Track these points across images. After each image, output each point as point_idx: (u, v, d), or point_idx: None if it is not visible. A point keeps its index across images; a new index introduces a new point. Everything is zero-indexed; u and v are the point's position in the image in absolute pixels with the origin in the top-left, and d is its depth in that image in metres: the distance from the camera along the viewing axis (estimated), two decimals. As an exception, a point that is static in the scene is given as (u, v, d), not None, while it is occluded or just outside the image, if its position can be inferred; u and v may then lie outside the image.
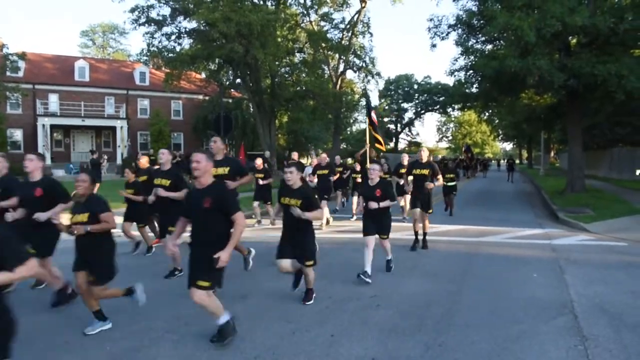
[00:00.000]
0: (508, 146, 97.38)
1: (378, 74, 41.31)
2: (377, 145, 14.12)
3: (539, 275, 6.92)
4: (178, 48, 26.42)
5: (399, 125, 68.51)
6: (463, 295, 5.96)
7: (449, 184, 14.03)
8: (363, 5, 39.72)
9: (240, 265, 7.57)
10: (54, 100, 35.87)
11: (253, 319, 5.01)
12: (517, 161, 61.75)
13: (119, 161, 34.84)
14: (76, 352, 4.21)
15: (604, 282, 6.62)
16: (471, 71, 19.17)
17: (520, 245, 9.49)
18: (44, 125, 32.83)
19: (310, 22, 36.77)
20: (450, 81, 44.67)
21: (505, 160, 38.52)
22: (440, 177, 9.06)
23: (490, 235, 10.52)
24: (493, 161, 64.43)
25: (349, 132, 62.69)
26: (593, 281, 6.64)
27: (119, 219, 6.94)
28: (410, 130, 71.42)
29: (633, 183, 23.71)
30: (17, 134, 34.97)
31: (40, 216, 5.25)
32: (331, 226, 11.82)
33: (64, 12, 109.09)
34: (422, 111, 66.64)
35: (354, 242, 9.62)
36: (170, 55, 24.89)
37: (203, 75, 34.59)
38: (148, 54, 25.59)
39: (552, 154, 59.88)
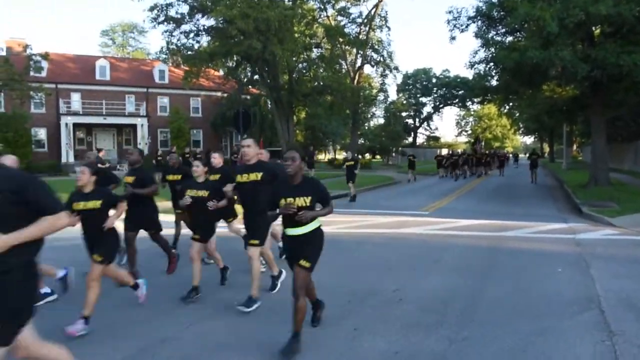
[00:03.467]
0: (529, 140, 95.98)
1: (396, 68, 41.09)
2: None
3: (564, 270, 6.80)
4: (196, 45, 26.67)
5: (417, 119, 68.02)
6: (485, 290, 5.90)
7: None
8: (380, -1, 39.46)
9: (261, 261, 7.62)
10: (76, 99, 36.54)
11: (274, 314, 5.03)
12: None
13: (139, 158, 35.31)
14: (106, 343, 4.29)
15: (630, 277, 6.49)
16: (491, 64, 18.90)
17: (544, 240, 9.34)
18: (67, 124, 33.48)
19: (328, 17, 36.70)
20: (469, 74, 43.81)
21: (527, 155, 32.91)
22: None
23: (513, 230, 10.39)
24: (510, 155, 56.63)
25: (366, 127, 62.47)
26: (619, 276, 6.50)
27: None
28: (428, 125, 70.94)
29: (660, 176, 23.11)
30: (41, 133, 35.74)
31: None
32: (350, 222, 11.80)
33: (86, 12, 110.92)
34: (441, 105, 66.08)
35: (374, 236, 9.61)
36: (189, 52, 25.11)
37: (221, 73, 34.84)
38: (167, 52, 25.89)
39: (574, 147, 58.75)
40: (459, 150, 36.66)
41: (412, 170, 26.29)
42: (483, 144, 79.92)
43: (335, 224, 11.40)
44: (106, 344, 4.25)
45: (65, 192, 16.50)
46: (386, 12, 50.75)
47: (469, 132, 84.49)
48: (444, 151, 43.15)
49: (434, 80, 64.19)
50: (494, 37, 19.34)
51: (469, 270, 6.91)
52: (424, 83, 64.54)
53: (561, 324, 4.68)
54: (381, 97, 52.72)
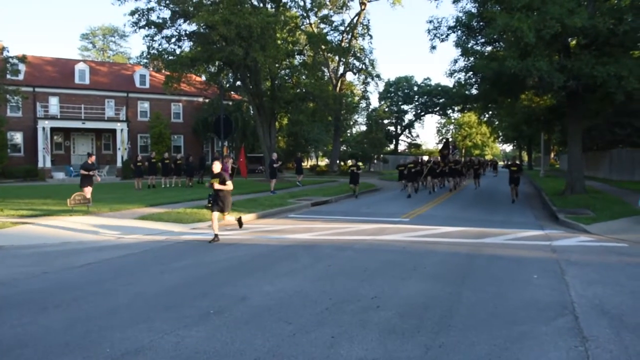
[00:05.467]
0: (508, 148, 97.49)
1: (378, 75, 41.51)
2: None
3: (540, 277, 6.91)
4: (178, 51, 26.49)
5: (399, 127, 68.54)
6: (463, 296, 5.95)
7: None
8: (363, 7, 39.90)
9: (239, 268, 7.59)
10: (54, 103, 35.93)
11: (253, 320, 5.00)
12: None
13: (119, 164, 34.86)
14: (76, 353, 4.19)
15: (604, 283, 6.62)
16: (471, 72, 19.22)
17: (521, 247, 9.49)
18: (44, 128, 32.84)
19: (310, 24, 36.91)
20: (450, 83, 44.39)
21: (507, 163, 28.30)
22: None
23: (491, 237, 10.52)
24: (489, 163, 54.96)
25: (349, 134, 62.68)
26: (593, 282, 6.63)
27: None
28: (410, 132, 71.50)
29: (633, 184, 23.71)
30: (18, 137, 35.04)
31: None
32: (330, 229, 11.81)
33: (65, 15, 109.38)
34: (422, 113, 66.70)
35: (355, 243, 9.63)
36: (170, 57, 24.91)
37: (203, 78, 34.66)
38: (148, 56, 25.63)
39: (552, 155, 59.91)
40: (425, 158, 30.79)
41: (354, 185, 20.89)
42: (461, 151, 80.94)
43: (315, 230, 11.42)
44: (75, 355, 4.15)
45: (40, 198, 16.21)
46: (368, 20, 51.35)
47: (450, 139, 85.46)
48: (425, 158, 41.74)
49: (415, 89, 64.82)
50: (474, 46, 19.69)
51: (447, 276, 6.97)
52: (406, 91, 65.12)
53: (536, 330, 4.74)
54: (363, 104, 53.04)
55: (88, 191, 14.68)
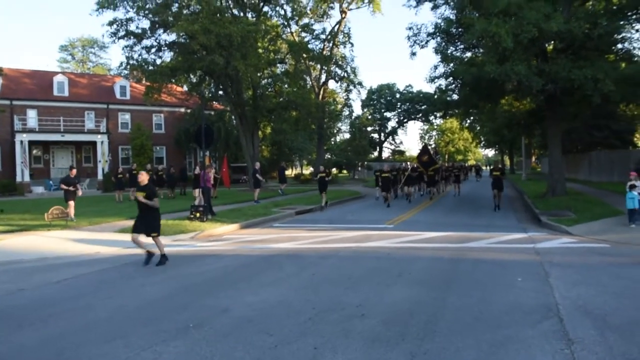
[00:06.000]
0: (490, 152, 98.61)
1: (360, 83, 41.64)
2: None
3: (524, 279, 6.90)
4: (159, 61, 26.22)
5: (382, 134, 68.90)
6: (448, 301, 5.89)
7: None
8: (343, 16, 40.12)
9: (221, 279, 7.44)
10: (32, 116, 35.26)
11: (233, 332, 4.86)
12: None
13: (99, 176, 34.30)
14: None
15: (587, 283, 6.63)
16: (451, 78, 19.39)
17: (505, 250, 9.50)
18: (22, 142, 32.17)
19: (292, 33, 36.93)
20: (431, 89, 44.69)
21: (490, 169, 26.38)
22: None
23: (475, 241, 10.52)
24: (473, 168, 53.98)
25: (332, 142, 62.79)
26: (576, 283, 6.64)
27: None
28: (393, 139, 71.91)
29: (612, 185, 24.09)
30: (-5, 151, 34.24)
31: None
32: (315, 237, 11.70)
33: (43, 27, 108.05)
34: (405, 120, 67.20)
35: (340, 251, 9.54)
36: (150, 68, 24.65)
37: (185, 88, 34.39)
38: (127, 67, 25.33)
39: (533, 159, 60.74)
40: (405, 164, 28.58)
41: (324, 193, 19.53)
42: (444, 156, 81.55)
43: (300, 239, 11.31)
44: (49, 374, 3.98)
45: (18, 213, 15.77)
46: (349, 28, 51.68)
47: (433, 145, 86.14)
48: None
49: (397, 96, 65.31)
50: (453, 52, 19.89)
51: (432, 282, 6.92)
52: (388, 98, 65.56)
53: (522, 333, 4.69)
54: (346, 112, 53.16)
55: (72, 205, 14.35)
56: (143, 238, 8.57)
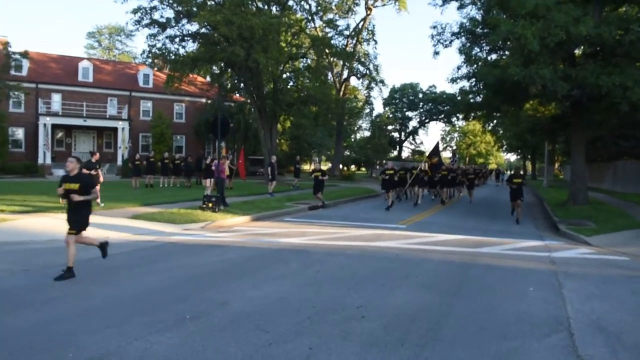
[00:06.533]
0: (512, 157, 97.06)
1: (382, 81, 41.33)
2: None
3: (536, 289, 6.63)
4: (182, 51, 26.36)
5: (402, 133, 68.29)
6: (454, 307, 5.69)
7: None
8: (368, 12, 39.80)
9: (225, 271, 7.35)
10: (56, 100, 35.87)
11: (229, 327, 4.75)
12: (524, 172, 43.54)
13: (119, 162, 34.73)
14: (38, 358, 3.96)
15: (602, 298, 6.34)
16: (473, 79, 18.96)
17: (519, 257, 9.20)
18: (45, 125, 32.76)
19: (315, 28, 36.76)
20: (452, 89, 44.08)
21: (507, 177, 23.34)
22: None
23: (489, 246, 10.24)
24: (494, 172, 51.75)
25: (352, 140, 62.49)
26: (591, 297, 6.35)
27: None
28: (414, 139, 71.22)
29: (637, 196, 23.35)
30: (19, 133, 34.95)
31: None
32: (324, 233, 11.54)
33: (72, 13, 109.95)
34: (427, 120, 66.44)
35: (347, 249, 9.37)
36: (172, 57, 24.78)
37: (208, 79, 34.54)
38: (149, 55, 25.50)
39: (556, 165, 59.48)
40: (416, 164, 24.89)
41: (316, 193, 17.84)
42: (464, 159, 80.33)
43: (309, 235, 11.17)
44: (37, 359, 3.91)
45: (35, 194, 15.93)
46: (374, 25, 51.19)
47: (454, 147, 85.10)
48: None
49: (420, 95, 64.58)
50: (478, 54, 19.45)
51: (439, 286, 6.70)
52: (411, 98, 64.88)
53: (528, 347, 4.47)
54: (367, 109, 52.82)
55: (96, 190, 14.32)
56: (88, 233, 7.33)
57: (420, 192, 20.76)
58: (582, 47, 17.25)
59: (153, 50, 24.85)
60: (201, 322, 4.88)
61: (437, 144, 21.47)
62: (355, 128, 62.33)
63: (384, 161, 55.66)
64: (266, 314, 5.20)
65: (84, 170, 14.91)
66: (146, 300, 5.68)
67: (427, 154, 22.74)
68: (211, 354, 4.08)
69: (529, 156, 62.65)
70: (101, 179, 15.26)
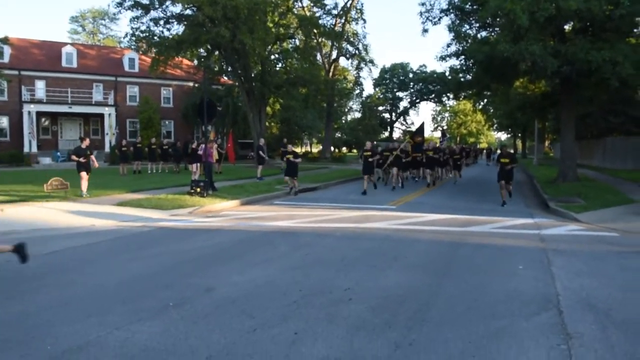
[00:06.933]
0: (503, 136, 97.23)
1: (371, 61, 40.92)
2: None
3: (525, 267, 6.59)
4: (167, 34, 25.83)
5: (393, 114, 68.08)
6: (442, 288, 5.62)
7: None
8: (356, -10, 39.08)
9: (212, 256, 7.23)
10: (40, 87, 35.15)
11: (214, 313, 4.65)
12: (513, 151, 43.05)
13: (107, 149, 34.27)
14: (14, 351, 3.83)
15: (591, 274, 6.31)
16: (463, 57, 18.76)
17: (508, 235, 9.17)
18: (29, 113, 32.14)
19: (303, 7, 36.16)
20: (441, 67, 43.75)
21: (496, 156, 22.39)
22: None
23: (478, 225, 10.20)
24: (484, 151, 51.38)
25: (343, 121, 62.18)
26: (581, 273, 6.32)
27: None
28: (405, 119, 71.07)
29: (626, 173, 23.47)
30: (4, 121, 34.31)
31: None
32: (313, 216, 11.44)
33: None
34: (417, 100, 66.24)
35: (336, 231, 9.29)
36: (155, 39, 24.26)
37: (195, 63, 34.00)
38: (133, 38, 24.95)
39: (546, 143, 59.68)
40: (396, 144, 21.23)
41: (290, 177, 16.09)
42: (455, 138, 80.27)
43: (298, 217, 11.06)
44: (13, 352, 3.79)
45: (21, 184, 15.61)
46: (362, 4, 50.43)
47: (445, 127, 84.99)
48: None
49: (410, 75, 64.24)
50: (467, 31, 19.21)
51: (429, 267, 6.64)
52: (401, 78, 64.54)
53: (516, 326, 4.42)
54: (357, 90, 52.44)
55: (84, 177, 14.01)
56: None
57: (396, 174, 18.32)
58: (572, 23, 17.08)
59: (137, 34, 24.30)
60: (185, 309, 4.77)
61: (422, 123, 20.56)
62: (346, 109, 61.95)
63: (375, 142, 55.54)
64: (252, 299, 5.11)
65: (73, 157, 14.23)
66: (130, 288, 5.56)
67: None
68: (194, 341, 3.98)
69: (519, 134, 62.79)
70: (96, 165, 14.92)
